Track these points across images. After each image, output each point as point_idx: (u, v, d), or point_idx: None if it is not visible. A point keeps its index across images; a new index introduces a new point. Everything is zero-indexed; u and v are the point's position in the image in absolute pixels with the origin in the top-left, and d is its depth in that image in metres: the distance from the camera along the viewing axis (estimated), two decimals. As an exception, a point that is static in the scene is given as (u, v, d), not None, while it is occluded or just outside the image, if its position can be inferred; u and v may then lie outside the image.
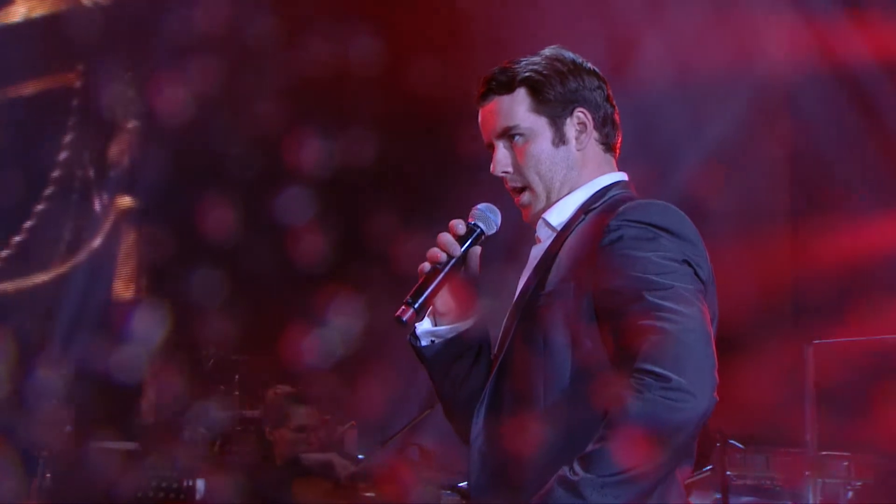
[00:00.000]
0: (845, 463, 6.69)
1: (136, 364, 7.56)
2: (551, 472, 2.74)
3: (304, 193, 7.70)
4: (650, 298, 2.75)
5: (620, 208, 2.93)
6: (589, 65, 3.15)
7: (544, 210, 3.11)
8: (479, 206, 3.12)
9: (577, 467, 2.68)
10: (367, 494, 6.40)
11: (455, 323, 3.13)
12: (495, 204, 3.14)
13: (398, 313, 2.98)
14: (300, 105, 8.02)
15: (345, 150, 7.85)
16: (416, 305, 3.01)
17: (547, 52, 3.15)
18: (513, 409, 2.92)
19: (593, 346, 2.85)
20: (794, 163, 7.90)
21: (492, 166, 3.13)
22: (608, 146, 3.15)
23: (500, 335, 3.08)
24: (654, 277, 2.78)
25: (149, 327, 7.77)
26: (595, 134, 3.12)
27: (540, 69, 3.10)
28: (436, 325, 3.15)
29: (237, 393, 7.06)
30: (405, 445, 6.97)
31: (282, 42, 7.81)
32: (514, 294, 3.12)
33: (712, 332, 2.80)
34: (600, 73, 3.15)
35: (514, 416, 2.90)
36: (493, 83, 3.13)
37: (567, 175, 3.11)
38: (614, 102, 3.16)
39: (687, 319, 2.73)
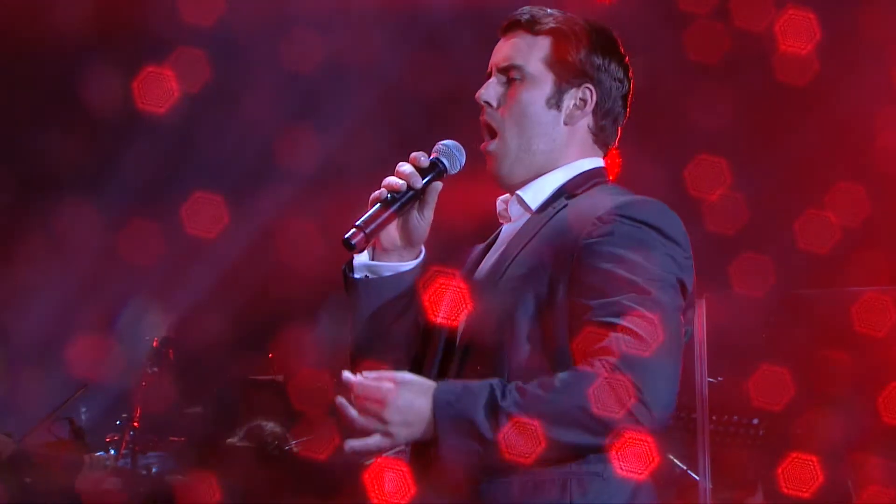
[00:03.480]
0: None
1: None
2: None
3: (296, 190, 7.62)
4: (630, 303, 2.64)
5: (614, 202, 2.79)
6: (623, 53, 3.02)
7: (509, 171, 2.98)
8: (444, 141, 2.98)
9: (509, 391, 2.61)
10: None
11: (397, 262, 2.99)
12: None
13: (348, 236, 2.85)
14: (293, 100, 7.86)
15: (339, 146, 7.75)
16: (368, 231, 2.86)
17: (592, 21, 3.03)
18: None
19: (562, 339, 2.73)
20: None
21: (480, 90, 3.00)
22: (599, 139, 3.00)
23: (458, 311, 2.94)
24: (639, 281, 2.67)
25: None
26: (590, 119, 2.98)
27: (575, 29, 2.98)
28: (373, 260, 3.00)
29: None
30: (56, 420, 7.00)
31: (273, 34, 7.62)
32: (473, 268, 2.99)
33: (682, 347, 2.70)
34: (631, 71, 3.03)
35: None
36: (526, 17, 3.00)
37: (549, 147, 2.97)
38: (629, 106, 3.03)
39: (663, 333, 2.62)
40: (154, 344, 7.21)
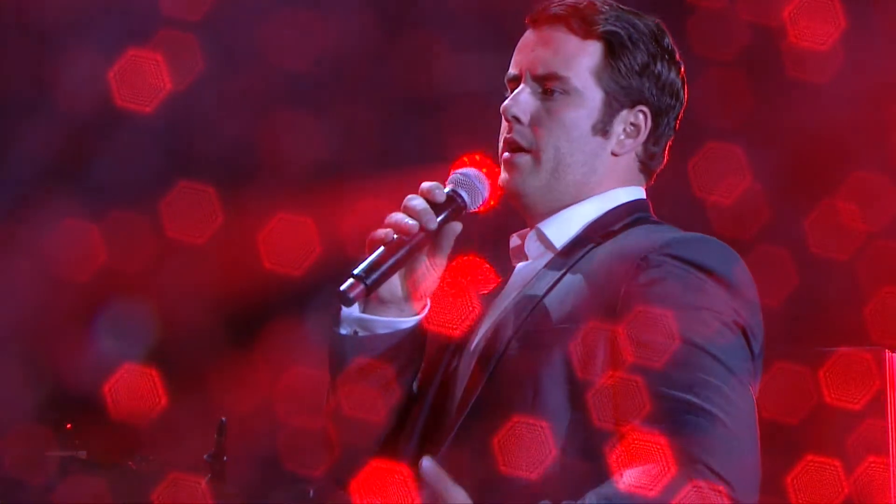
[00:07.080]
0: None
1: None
2: None
3: (285, 187, 7.29)
4: (695, 373, 2.20)
5: (663, 239, 2.34)
6: (681, 59, 2.54)
7: (532, 192, 2.50)
8: (462, 169, 2.49)
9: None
10: None
11: (395, 317, 2.48)
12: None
13: (344, 288, 2.37)
14: (284, 93, 7.50)
15: (332, 140, 7.38)
16: (370, 282, 2.39)
17: (650, 19, 2.54)
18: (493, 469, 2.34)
19: (600, 415, 2.32)
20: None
21: (507, 102, 2.51)
22: (646, 167, 2.55)
23: (461, 367, 2.51)
24: (701, 342, 2.23)
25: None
26: (640, 148, 2.52)
27: (633, 33, 2.48)
28: (364, 312, 2.49)
29: None
30: None
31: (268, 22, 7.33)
32: (476, 312, 2.53)
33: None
34: (684, 89, 2.54)
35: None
36: (571, 12, 2.48)
37: (585, 179, 2.48)
38: (678, 127, 2.56)
39: (736, 408, 2.22)
40: None
